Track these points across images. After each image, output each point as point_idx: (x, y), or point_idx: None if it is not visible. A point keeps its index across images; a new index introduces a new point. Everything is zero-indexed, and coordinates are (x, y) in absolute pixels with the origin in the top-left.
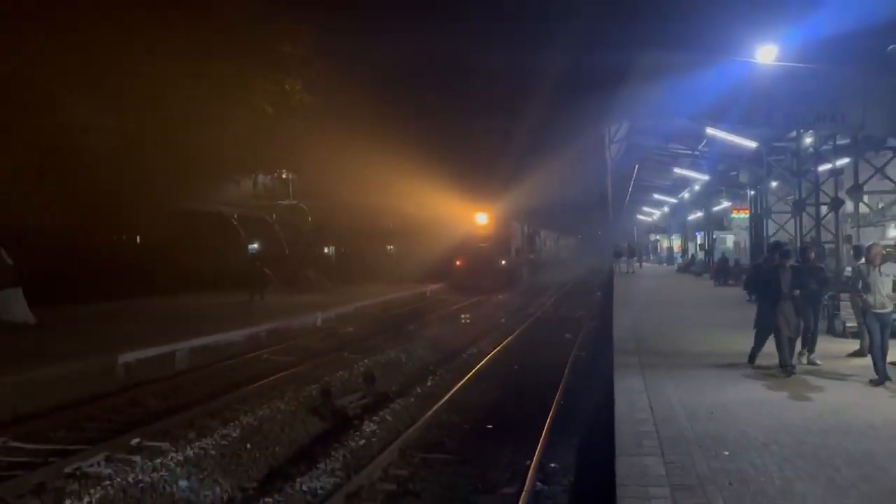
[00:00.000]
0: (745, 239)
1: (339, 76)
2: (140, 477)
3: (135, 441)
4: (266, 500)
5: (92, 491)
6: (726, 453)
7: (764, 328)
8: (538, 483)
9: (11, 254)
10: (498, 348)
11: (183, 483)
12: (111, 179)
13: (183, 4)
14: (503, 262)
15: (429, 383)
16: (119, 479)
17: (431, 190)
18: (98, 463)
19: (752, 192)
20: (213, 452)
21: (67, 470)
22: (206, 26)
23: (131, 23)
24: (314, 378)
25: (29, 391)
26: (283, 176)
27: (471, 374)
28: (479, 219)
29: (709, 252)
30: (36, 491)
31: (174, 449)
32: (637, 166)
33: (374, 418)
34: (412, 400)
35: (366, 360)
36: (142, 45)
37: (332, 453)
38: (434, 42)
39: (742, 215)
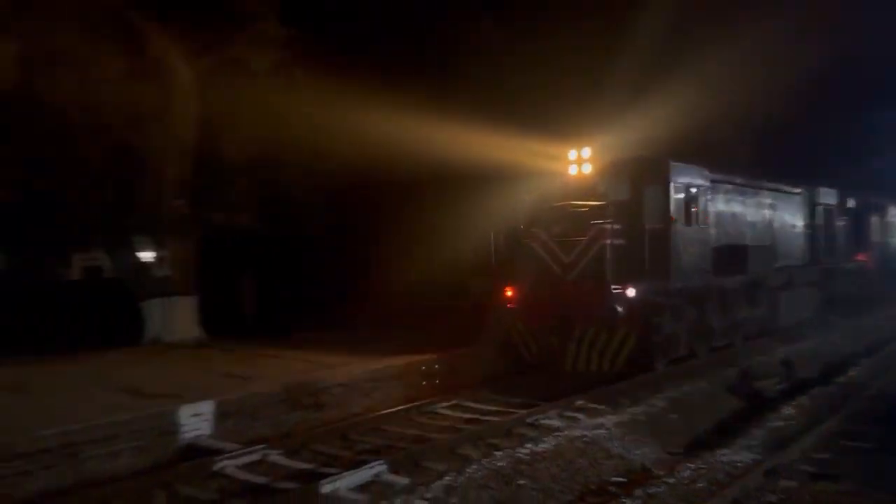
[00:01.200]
0: None
1: None
2: (583, 432)
3: (579, 402)
4: (688, 465)
5: (546, 438)
6: None
7: None
8: None
9: None
10: None
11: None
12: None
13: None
14: (630, 292)
15: (849, 372)
16: (567, 432)
17: None
18: (551, 417)
19: None
20: (642, 418)
21: (529, 420)
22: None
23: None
24: (732, 362)
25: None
26: None
27: None
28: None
29: None
30: (505, 434)
31: (612, 412)
32: None
33: (792, 402)
34: (830, 388)
35: (782, 348)
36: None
37: (751, 431)
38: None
39: None
